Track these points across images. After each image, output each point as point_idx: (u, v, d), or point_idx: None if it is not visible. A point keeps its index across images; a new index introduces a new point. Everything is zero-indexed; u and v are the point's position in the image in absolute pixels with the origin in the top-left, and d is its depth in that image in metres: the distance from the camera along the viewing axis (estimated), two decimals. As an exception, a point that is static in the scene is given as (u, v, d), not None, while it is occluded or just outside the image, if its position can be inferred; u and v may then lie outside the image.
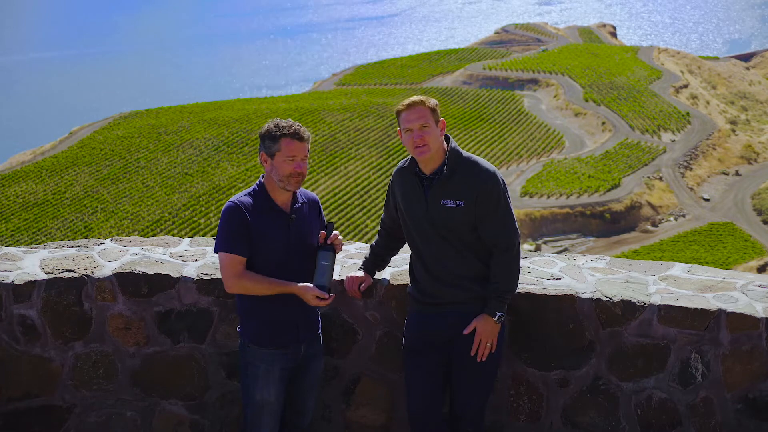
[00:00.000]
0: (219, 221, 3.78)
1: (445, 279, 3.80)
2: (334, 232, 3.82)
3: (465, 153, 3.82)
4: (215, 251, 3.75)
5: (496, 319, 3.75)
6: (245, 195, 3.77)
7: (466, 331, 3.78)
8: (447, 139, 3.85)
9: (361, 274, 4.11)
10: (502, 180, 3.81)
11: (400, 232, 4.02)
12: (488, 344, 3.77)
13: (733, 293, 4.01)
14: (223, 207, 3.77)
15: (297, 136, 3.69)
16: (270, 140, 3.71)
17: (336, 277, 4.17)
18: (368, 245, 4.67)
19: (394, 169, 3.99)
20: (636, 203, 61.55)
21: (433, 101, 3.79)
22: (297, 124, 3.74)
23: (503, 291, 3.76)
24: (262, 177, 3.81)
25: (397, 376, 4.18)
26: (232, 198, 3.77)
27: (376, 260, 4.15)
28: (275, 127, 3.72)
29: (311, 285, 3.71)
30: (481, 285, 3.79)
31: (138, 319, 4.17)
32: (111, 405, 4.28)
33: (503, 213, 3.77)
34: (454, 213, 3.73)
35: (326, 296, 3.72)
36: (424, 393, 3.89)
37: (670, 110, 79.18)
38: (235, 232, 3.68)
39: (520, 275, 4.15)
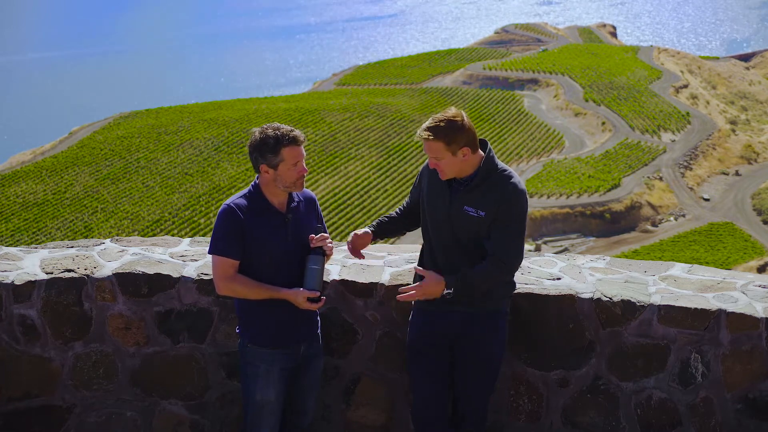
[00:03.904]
0: (214, 223, 3.79)
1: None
2: (322, 234, 3.78)
3: (501, 165, 3.73)
4: (208, 253, 3.76)
5: (444, 291, 3.67)
6: (240, 197, 3.76)
7: (417, 271, 3.73)
8: (484, 145, 3.76)
9: (365, 230, 4.03)
10: (527, 201, 3.74)
11: (419, 217, 3.98)
12: (416, 295, 3.69)
13: (733, 293, 4.01)
14: (220, 209, 3.77)
15: (296, 141, 3.67)
16: (271, 153, 3.66)
17: (335, 275, 4.17)
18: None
19: (425, 162, 3.89)
20: (636, 203, 61.57)
21: (453, 128, 3.59)
22: (289, 128, 3.70)
23: (468, 284, 3.67)
24: (257, 178, 3.80)
25: (397, 376, 4.18)
26: (227, 200, 3.77)
27: (389, 226, 4.06)
28: (273, 138, 3.65)
29: (302, 289, 3.70)
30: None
31: (138, 319, 4.17)
32: (111, 405, 4.27)
33: (515, 233, 3.68)
34: (474, 222, 3.69)
35: (317, 296, 3.69)
36: (428, 393, 3.88)
37: (670, 110, 79.20)
38: (228, 235, 3.68)
39: (520, 275, 4.15)
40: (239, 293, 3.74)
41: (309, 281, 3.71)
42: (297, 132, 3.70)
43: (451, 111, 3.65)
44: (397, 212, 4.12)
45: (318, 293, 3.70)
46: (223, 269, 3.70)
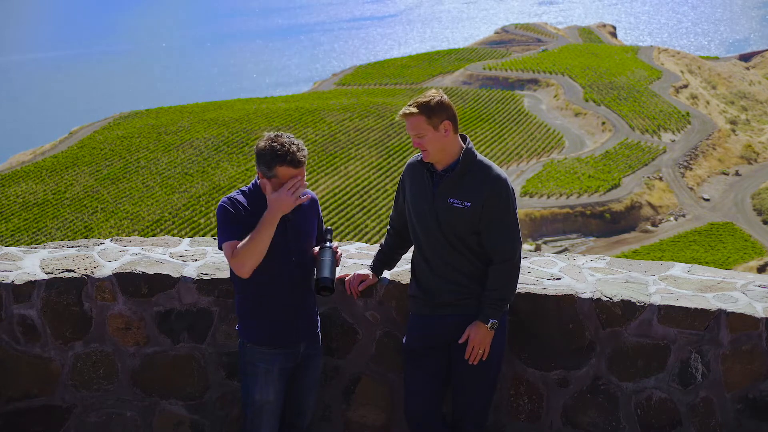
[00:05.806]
0: (216, 220, 3.77)
1: (444, 274, 3.78)
2: (332, 244, 3.85)
3: (480, 156, 3.80)
4: (219, 247, 3.70)
5: (488, 326, 3.74)
6: (239, 194, 3.75)
7: (460, 341, 3.78)
8: (464, 138, 3.82)
9: (365, 272, 4.10)
10: (512, 188, 3.79)
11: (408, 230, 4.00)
12: (480, 351, 3.77)
13: (733, 293, 4.01)
14: (218, 205, 3.75)
15: (293, 163, 3.59)
16: (265, 166, 3.60)
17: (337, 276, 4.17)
18: (368, 245, 4.67)
19: (407, 162, 3.96)
20: (636, 203, 61.57)
21: (433, 102, 3.69)
22: (294, 144, 3.59)
23: (499, 299, 3.74)
24: (257, 177, 3.79)
25: (397, 376, 4.18)
26: (226, 196, 3.75)
27: (384, 259, 4.12)
28: (270, 152, 3.57)
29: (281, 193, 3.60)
30: (479, 284, 3.78)
31: (138, 319, 4.17)
32: (111, 405, 4.27)
33: (509, 222, 3.74)
34: (459, 213, 3.71)
35: (330, 280, 3.72)
36: (423, 394, 3.89)
37: (670, 110, 79.19)
38: (232, 223, 3.65)
39: (520, 275, 4.15)
40: (249, 254, 3.56)
41: (325, 271, 3.75)
42: (300, 154, 3.59)
43: (431, 92, 3.78)
44: (383, 243, 4.14)
45: (331, 283, 3.73)
46: (234, 252, 3.66)
